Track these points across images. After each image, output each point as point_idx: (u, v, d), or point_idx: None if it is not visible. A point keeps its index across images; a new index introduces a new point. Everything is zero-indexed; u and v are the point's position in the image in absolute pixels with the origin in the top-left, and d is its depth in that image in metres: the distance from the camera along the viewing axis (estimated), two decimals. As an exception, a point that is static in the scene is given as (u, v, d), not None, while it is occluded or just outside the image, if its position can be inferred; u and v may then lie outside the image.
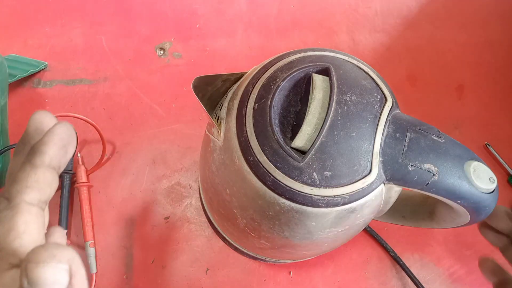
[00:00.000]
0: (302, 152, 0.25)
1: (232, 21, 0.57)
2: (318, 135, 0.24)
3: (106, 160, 0.48)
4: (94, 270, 0.43)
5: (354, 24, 0.58)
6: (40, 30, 0.54)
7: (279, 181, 0.24)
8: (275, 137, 0.25)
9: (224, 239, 0.43)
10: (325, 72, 0.27)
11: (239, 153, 0.26)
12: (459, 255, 0.47)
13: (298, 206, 0.25)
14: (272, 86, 0.26)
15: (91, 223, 0.45)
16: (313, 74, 0.27)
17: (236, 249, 0.42)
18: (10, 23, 0.54)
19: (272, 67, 0.28)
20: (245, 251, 0.41)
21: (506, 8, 0.60)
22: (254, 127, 0.26)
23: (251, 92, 0.27)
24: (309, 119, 0.25)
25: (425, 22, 0.59)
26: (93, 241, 0.44)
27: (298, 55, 0.29)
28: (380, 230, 0.47)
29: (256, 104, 0.26)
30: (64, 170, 0.45)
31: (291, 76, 0.27)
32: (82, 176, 0.46)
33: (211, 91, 0.29)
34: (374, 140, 0.25)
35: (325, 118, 0.25)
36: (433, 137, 0.26)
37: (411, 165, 0.25)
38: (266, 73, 0.28)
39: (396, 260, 0.46)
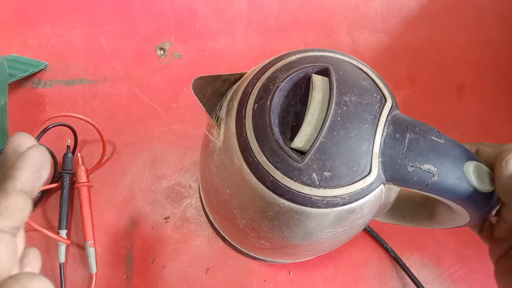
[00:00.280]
0: (301, 153, 0.25)
1: (232, 21, 0.57)
2: (317, 135, 0.24)
3: (106, 160, 0.48)
4: (94, 270, 0.43)
5: (354, 24, 0.58)
6: (40, 30, 0.54)
7: (279, 182, 0.24)
8: (275, 137, 0.25)
9: (224, 239, 0.43)
10: (324, 72, 0.27)
11: (239, 153, 0.26)
12: (459, 255, 0.47)
13: (298, 206, 0.25)
14: (271, 87, 0.26)
15: (91, 223, 0.45)
16: (313, 75, 0.27)
17: (236, 249, 0.42)
18: (10, 23, 0.54)
19: (272, 68, 0.28)
20: (245, 251, 0.41)
21: (506, 8, 0.60)
22: (253, 128, 0.26)
23: (251, 92, 0.27)
24: (308, 119, 0.25)
25: (425, 22, 0.59)
26: (93, 241, 0.44)
27: (297, 56, 0.28)
28: (380, 230, 0.47)
29: (256, 105, 0.26)
30: (64, 170, 0.46)
31: (290, 76, 0.27)
32: (82, 176, 0.46)
33: (211, 91, 0.29)
34: (374, 141, 0.25)
35: (324, 119, 0.25)
36: (432, 137, 0.26)
37: (411, 166, 0.25)
38: (265, 73, 0.28)
39: (396, 260, 0.46)
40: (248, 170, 0.25)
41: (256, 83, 0.27)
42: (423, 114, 0.53)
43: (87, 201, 0.45)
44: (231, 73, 0.30)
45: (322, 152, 0.24)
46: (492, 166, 0.26)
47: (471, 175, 0.25)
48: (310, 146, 0.24)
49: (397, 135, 0.25)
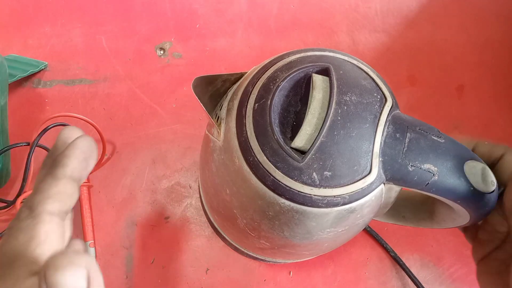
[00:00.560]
0: (302, 152, 0.25)
1: (232, 21, 0.57)
2: (318, 135, 0.24)
3: (106, 160, 0.48)
4: (94, 270, 0.43)
5: (354, 24, 0.58)
6: (40, 30, 0.54)
7: (279, 181, 0.24)
8: (275, 137, 0.25)
9: (224, 239, 0.43)
10: (325, 72, 0.27)
11: (239, 153, 0.26)
12: (459, 255, 0.47)
13: (298, 206, 0.25)
14: (272, 86, 0.26)
15: (91, 223, 0.45)
16: (313, 74, 0.27)
17: (236, 249, 0.42)
18: (10, 23, 0.54)
19: (272, 67, 0.28)
20: (245, 251, 0.41)
21: (506, 8, 0.60)
22: (254, 127, 0.26)
23: (251, 92, 0.27)
24: (309, 119, 0.25)
25: (425, 22, 0.59)
26: (93, 241, 0.44)
27: (298, 55, 0.28)
28: (380, 230, 0.47)
29: (256, 104, 0.26)
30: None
31: (291, 76, 0.27)
32: (82, 176, 0.46)
33: (211, 91, 0.29)
34: (374, 140, 0.25)
35: (325, 118, 0.24)
36: (433, 137, 0.26)
37: (411, 165, 0.25)
38: (266, 73, 0.28)
39: (396, 260, 0.46)
40: (248, 169, 0.25)
41: (256, 82, 0.27)
42: (423, 114, 0.53)
43: (87, 201, 0.45)
44: (231, 72, 0.30)
45: (323, 152, 0.24)
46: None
47: (471, 174, 0.25)
48: (311, 146, 0.24)
49: (398, 135, 0.25)
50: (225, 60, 0.54)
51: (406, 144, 0.25)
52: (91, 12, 0.55)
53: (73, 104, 0.50)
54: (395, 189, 0.26)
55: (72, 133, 0.22)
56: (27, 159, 0.41)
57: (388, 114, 0.26)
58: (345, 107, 0.25)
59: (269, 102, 0.26)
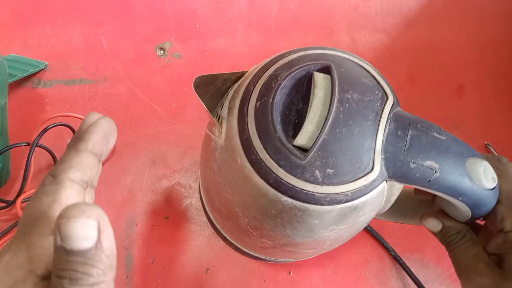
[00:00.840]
0: (304, 150, 0.25)
1: (232, 21, 0.57)
2: (320, 133, 0.24)
3: (106, 160, 0.48)
4: (94, 270, 0.43)
5: (354, 24, 0.58)
6: (40, 30, 0.54)
7: (282, 179, 0.24)
8: (277, 135, 0.25)
9: (224, 239, 0.43)
10: (326, 70, 0.27)
11: (241, 151, 0.26)
12: (459, 255, 0.47)
13: (301, 204, 0.25)
14: (273, 85, 0.26)
15: (91, 223, 0.45)
16: (314, 72, 0.27)
17: (236, 248, 0.42)
18: (10, 23, 0.54)
19: (273, 66, 0.28)
20: (246, 250, 0.41)
21: (506, 8, 0.60)
22: (256, 126, 0.25)
23: (253, 90, 0.27)
24: (310, 117, 0.25)
25: (425, 22, 0.59)
26: (93, 241, 0.44)
27: (299, 54, 0.28)
28: (380, 230, 0.47)
29: (258, 103, 0.26)
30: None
31: (292, 74, 0.27)
32: (82, 176, 0.45)
33: (212, 90, 0.29)
34: (376, 138, 0.25)
35: (326, 116, 0.24)
36: (434, 134, 0.26)
37: (413, 162, 0.25)
38: (267, 71, 0.28)
39: (396, 260, 0.46)
40: (250, 168, 0.25)
41: (257, 81, 0.27)
42: (423, 114, 0.52)
43: (87, 201, 0.45)
44: (232, 71, 0.30)
45: (325, 149, 0.24)
46: None
47: (472, 171, 0.25)
48: (313, 144, 0.24)
49: (399, 132, 0.25)
50: (225, 60, 0.54)
51: (407, 141, 0.25)
52: (91, 12, 0.55)
53: (73, 104, 0.50)
54: (397, 186, 0.26)
55: (95, 116, 0.24)
56: (27, 159, 0.41)
57: (390, 111, 0.26)
58: (347, 105, 0.25)
59: (271, 101, 0.26)
